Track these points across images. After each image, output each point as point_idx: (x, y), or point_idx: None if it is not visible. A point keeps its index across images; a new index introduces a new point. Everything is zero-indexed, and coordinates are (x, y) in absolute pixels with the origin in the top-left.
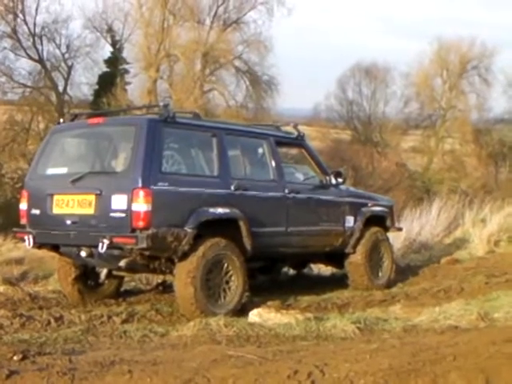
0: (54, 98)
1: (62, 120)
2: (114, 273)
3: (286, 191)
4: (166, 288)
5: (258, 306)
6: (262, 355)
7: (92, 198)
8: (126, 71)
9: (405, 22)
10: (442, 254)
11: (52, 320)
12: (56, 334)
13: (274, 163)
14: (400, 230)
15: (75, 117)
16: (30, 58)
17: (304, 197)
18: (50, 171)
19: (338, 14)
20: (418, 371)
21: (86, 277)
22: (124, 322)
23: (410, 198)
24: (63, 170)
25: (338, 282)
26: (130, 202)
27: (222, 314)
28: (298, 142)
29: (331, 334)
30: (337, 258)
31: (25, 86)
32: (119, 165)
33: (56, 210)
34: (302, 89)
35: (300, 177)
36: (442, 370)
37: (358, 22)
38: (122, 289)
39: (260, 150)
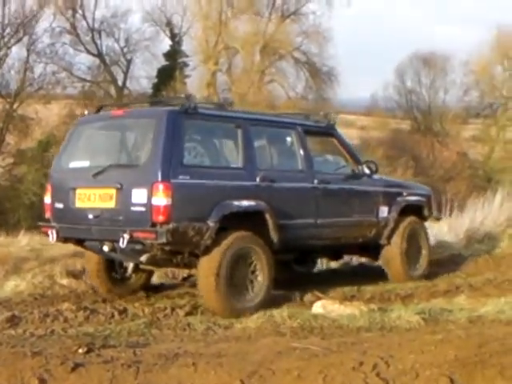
0: (113, 92)
1: (86, 112)
2: (141, 267)
3: (316, 182)
4: None
5: (321, 297)
6: (327, 347)
7: (113, 191)
8: (185, 64)
9: (462, 8)
10: (505, 243)
11: (116, 313)
12: (120, 327)
13: (302, 153)
14: (439, 219)
15: (100, 108)
16: (89, 52)
17: (335, 187)
18: (73, 164)
19: (395, 1)
20: (484, 363)
21: (114, 270)
22: (187, 314)
23: (471, 188)
24: (85, 163)
25: None
26: (149, 195)
27: (253, 309)
28: (328, 130)
29: (396, 326)
30: (372, 249)
31: (84, 80)
32: (139, 158)
33: (79, 204)
34: (361, 78)
35: (331, 167)
36: (509, 361)
37: (415, 10)
38: (184, 281)
39: (288, 140)
